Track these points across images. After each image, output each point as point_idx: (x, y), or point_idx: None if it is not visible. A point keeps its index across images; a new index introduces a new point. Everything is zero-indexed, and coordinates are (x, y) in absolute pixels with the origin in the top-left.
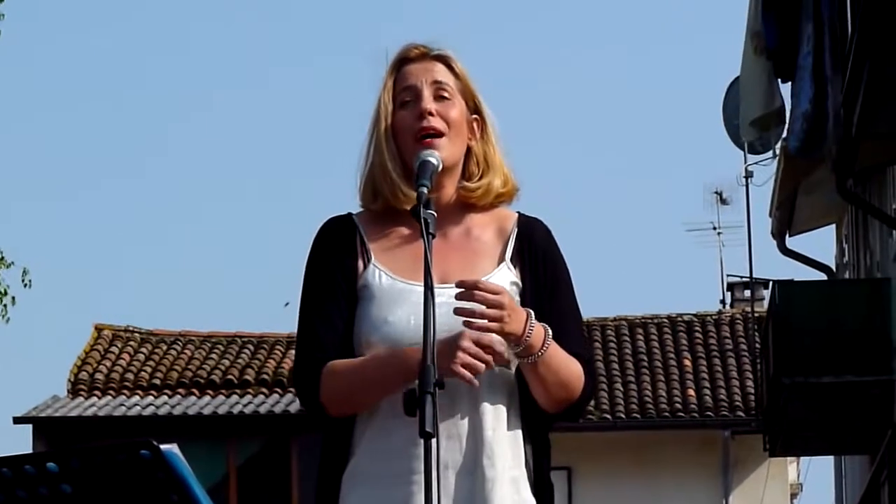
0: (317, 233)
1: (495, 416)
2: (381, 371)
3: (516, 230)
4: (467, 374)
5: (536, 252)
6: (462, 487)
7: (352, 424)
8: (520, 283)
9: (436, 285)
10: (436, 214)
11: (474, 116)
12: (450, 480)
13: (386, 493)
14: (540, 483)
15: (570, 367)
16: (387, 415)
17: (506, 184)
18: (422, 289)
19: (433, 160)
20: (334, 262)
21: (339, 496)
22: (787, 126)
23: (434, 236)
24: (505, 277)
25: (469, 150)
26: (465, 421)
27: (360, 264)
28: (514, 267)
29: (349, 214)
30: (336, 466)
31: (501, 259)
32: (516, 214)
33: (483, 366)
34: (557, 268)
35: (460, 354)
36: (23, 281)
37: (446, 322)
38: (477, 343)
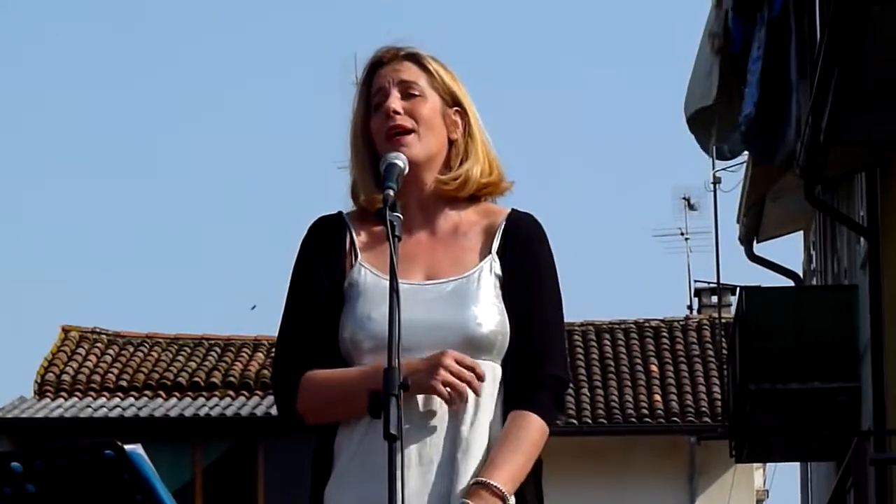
0: (306, 232)
1: (474, 412)
2: (358, 387)
3: (504, 224)
4: (445, 391)
5: (518, 244)
6: (440, 484)
7: (335, 427)
8: (501, 276)
9: (422, 281)
10: (402, 217)
11: (455, 109)
12: (429, 478)
13: (367, 492)
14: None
15: (532, 456)
16: (368, 416)
17: (490, 173)
18: (408, 286)
19: (399, 162)
20: (321, 262)
21: (324, 498)
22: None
23: (400, 238)
24: (489, 271)
25: (452, 144)
26: (443, 417)
27: (348, 264)
28: (500, 260)
29: (339, 213)
30: (323, 468)
31: (487, 253)
32: (508, 210)
33: (464, 386)
34: (538, 261)
35: (442, 371)
36: None
37: (428, 318)
38: (460, 363)
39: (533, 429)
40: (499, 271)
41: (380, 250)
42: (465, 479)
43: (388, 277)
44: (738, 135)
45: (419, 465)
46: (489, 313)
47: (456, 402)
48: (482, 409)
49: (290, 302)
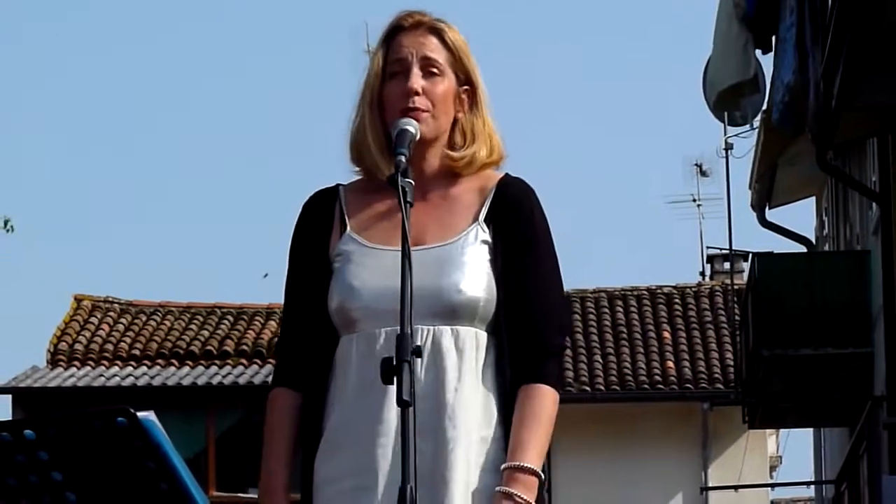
0: (301, 208)
1: (459, 377)
2: (266, 455)
3: (494, 190)
4: None
5: (509, 209)
6: (425, 450)
7: (324, 397)
8: (491, 243)
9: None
10: (413, 183)
11: (465, 87)
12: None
13: (352, 461)
14: None
15: (550, 429)
16: (354, 385)
17: (491, 153)
18: (393, 252)
19: (411, 129)
20: (311, 238)
21: (313, 468)
22: (766, 97)
23: (412, 205)
24: (475, 238)
25: (456, 121)
26: (426, 382)
27: (336, 236)
28: (488, 227)
29: (336, 186)
30: (312, 437)
31: (475, 220)
32: (501, 175)
33: None
34: (531, 227)
35: None
36: (5, 227)
37: (416, 283)
38: None
39: (547, 401)
40: (487, 237)
41: (371, 221)
42: (453, 445)
43: (372, 245)
44: (750, 101)
45: (400, 433)
46: (471, 280)
47: None
48: (465, 375)
49: (287, 282)
